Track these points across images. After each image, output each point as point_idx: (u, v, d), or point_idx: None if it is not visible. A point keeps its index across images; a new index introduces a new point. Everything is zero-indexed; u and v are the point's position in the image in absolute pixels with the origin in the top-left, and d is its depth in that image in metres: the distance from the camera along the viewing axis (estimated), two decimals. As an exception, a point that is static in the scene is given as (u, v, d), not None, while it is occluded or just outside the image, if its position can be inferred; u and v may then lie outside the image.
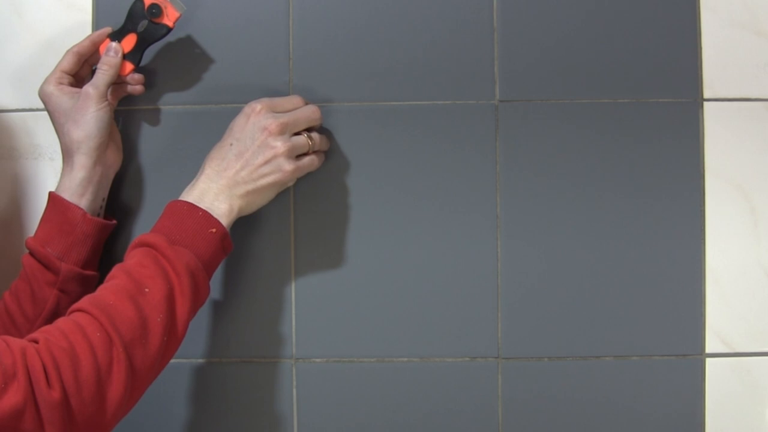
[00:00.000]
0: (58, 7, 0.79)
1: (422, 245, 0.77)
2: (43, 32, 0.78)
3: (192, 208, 0.66)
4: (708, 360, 0.77)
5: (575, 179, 0.77)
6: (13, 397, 0.51)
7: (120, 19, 0.73)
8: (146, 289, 0.60)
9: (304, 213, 0.78)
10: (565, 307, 0.77)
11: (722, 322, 0.77)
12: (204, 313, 0.78)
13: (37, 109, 0.77)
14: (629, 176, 0.77)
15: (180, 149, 0.78)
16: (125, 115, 0.78)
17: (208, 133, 0.78)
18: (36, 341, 0.56)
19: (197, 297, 0.64)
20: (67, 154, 0.71)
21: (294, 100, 0.72)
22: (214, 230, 0.66)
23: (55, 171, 0.74)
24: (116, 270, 0.63)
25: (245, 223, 0.77)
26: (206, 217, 0.66)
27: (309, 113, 0.72)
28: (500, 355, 0.78)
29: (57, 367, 0.54)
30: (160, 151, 0.78)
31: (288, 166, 0.69)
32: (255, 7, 0.78)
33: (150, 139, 0.78)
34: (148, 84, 0.77)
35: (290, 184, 0.72)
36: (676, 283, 0.77)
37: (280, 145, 0.68)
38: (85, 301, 0.60)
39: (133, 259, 0.63)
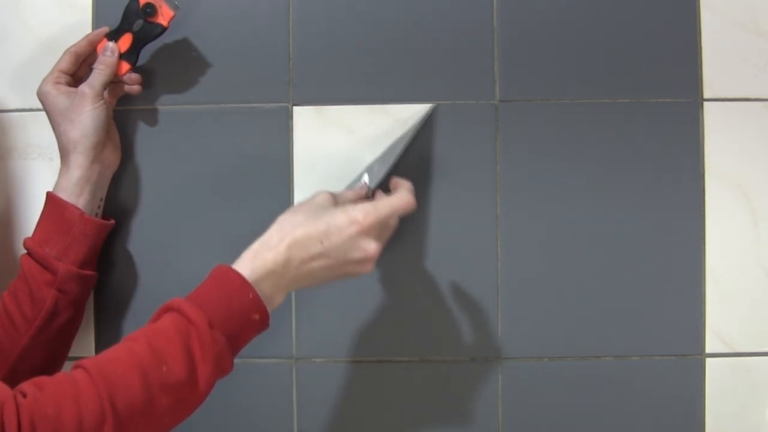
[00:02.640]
0: (58, 7, 0.78)
1: (422, 245, 0.77)
2: (43, 32, 0.78)
3: (244, 287, 0.59)
4: (708, 360, 0.77)
5: (575, 179, 0.77)
6: None
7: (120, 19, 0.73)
8: (164, 367, 0.55)
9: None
10: (565, 307, 0.77)
11: (722, 322, 0.77)
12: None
13: (37, 109, 0.76)
14: (629, 176, 0.77)
15: (178, 149, 0.78)
16: (123, 115, 0.78)
17: (207, 133, 0.78)
18: (24, 395, 0.52)
19: (219, 377, 0.59)
20: (64, 153, 0.71)
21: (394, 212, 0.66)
22: (257, 317, 0.60)
23: (54, 171, 0.73)
24: (141, 333, 0.57)
25: (245, 223, 0.77)
26: (256, 302, 0.60)
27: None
28: (500, 355, 0.78)
29: None
30: (158, 152, 0.78)
31: None
32: (254, 6, 0.78)
33: (148, 139, 0.78)
34: (146, 84, 0.77)
35: None
36: (676, 283, 0.77)
37: (369, 267, 0.64)
38: (92, 363, 0.55)
39: (163, 323, 0.58)
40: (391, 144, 0.76)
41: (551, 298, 0.77)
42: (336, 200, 0.65)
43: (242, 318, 0.59)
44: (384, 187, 0.72)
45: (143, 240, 0.78)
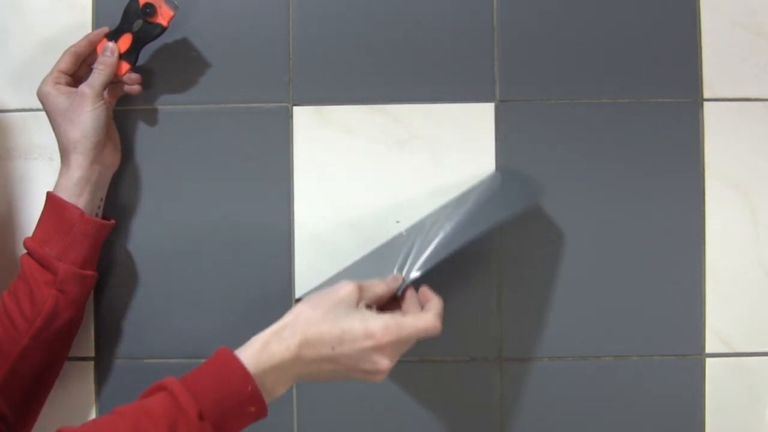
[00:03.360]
0: (58, 7, 0.78)
1: (422, 245, 0.77)
2: (43, 32, 0.78)
3: (245, 379, 0.57)
4: (708, 360, 0.77)
5: (575, 179, 0.77)
6: None
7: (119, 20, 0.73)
8: None
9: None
10: (565, 307, 0.77)
11: (722, 322, 0.77)
12: (204, 313, 0.78)
13: (37, 109, 0.76)
14: (629, 176, 0.77)
15: (178, 149, 0.78)
16: (123, 115, 0.78)
17: (207, 133, 0.78)
18: None
19: None
20: (64, 153, 0.71)
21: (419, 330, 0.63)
22: (253, 410, 0.57)
23: (54, 171, 0.73)
24: (129, 409, 0.55)
25: (245, 224, 0.77)
26: (254, 396, 0.57)
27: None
28: (501, 355, 0.78)
29: None
30: (158, 152, 0.78)
31: None
32: (254, 6, 0.78)
33: (148, 139, 0.78)
34: (146, 84, 0.77)
35: None
36: (676, 283, 0.77)
37: (379, 379, 0.62)
38: None
39: (153, 404, 0.55)
40: (453, 206, 0.72)
41: (551, 298, 0.77)
42: (362, 294, 0.63)
43: (237, 410, 0.57)
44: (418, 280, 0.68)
45: (143, 240, 0.78)
